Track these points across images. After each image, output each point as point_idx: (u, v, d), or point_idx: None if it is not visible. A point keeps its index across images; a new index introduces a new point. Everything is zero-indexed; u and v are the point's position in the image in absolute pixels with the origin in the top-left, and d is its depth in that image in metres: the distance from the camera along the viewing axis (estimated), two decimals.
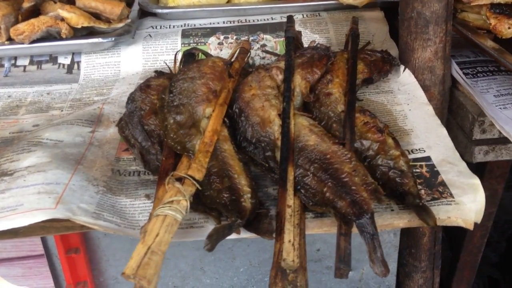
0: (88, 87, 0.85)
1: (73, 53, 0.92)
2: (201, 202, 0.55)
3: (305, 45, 0.85)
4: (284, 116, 0.62)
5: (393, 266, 0.91)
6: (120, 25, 0.90)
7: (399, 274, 0.95)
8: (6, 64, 0.91)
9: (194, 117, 0.62)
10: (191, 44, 0.93)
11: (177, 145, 0.59)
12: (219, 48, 0.93)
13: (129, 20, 0.92)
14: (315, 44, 0.77)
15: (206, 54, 0.77)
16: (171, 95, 0.64)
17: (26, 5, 0.82)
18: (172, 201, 0.50)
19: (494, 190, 1.00)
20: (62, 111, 0.79)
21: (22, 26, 0.82)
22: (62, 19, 0.84)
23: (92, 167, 0.63)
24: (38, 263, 0.87)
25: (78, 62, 0.91)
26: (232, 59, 0.78)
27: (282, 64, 0.71)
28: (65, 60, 0.92)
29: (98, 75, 0.89)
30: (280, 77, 0.69)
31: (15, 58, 0.92)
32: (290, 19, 0.79)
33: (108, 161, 0.66)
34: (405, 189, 0.55)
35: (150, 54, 0.92)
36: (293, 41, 0.74)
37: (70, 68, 0.91)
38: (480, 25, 0.77)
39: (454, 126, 0.78)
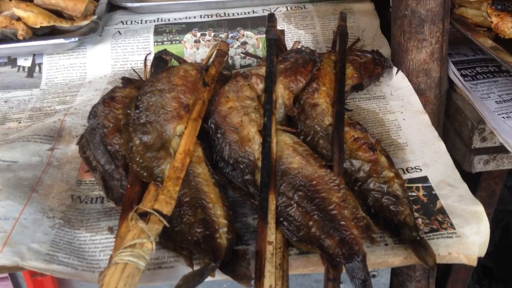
0: (50, 93, 0.77)
1: (34, 55, 0.83)
2: (170, 238, 0.49)
3: (289, 43, 0.78)
4: (265, 133, 0.55)
5: (386, 277, 0.86)
6: (85, 22, 0.82)
7: (392, 284, 0.90)
8: None
9: (163, 137, 0.55)
10: (164, 43, 0.85)
11: (143, 171, 0.52)
12: (196, 47, 0.85)
13: (95, 17, 0.83)
14: (299, 46, 0.70)
15: (179, 60, 0.69)
16: (137, 111, 0.56)
17: None
18: (134, 245, 0.44)
19: (492, 191, 0.95)
20: (19, 123, 0.71)
21: None
22: (19, 19, 0.75)
23: (48, 194, 0.56)
24: (2, 286, 0.80)
25: (40, 64, 0.83)
26: (208, 63, 0.71)
27: (262, 71, 0.64)
28: (25, 62, 0.83)
29: (62, 78, 0.81)
30: (260, 86, 0.61)
31: None
32: (272, 17, 0.71)
33: (68, 185, 0.58)
34: (400, 219, 0.49)
35: (119, 54, 0.84)
36: (275, 43, 0.66)
37: (31, 71, 0.82)
38: (480, 22, 0.70)
39: (452, 132, 0.72)
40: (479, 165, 0.68)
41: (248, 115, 0.58)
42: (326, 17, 0.88)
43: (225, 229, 0.49)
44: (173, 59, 0.74)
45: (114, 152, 0.56)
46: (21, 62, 0.83)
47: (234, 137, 0.56)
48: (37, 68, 0.82)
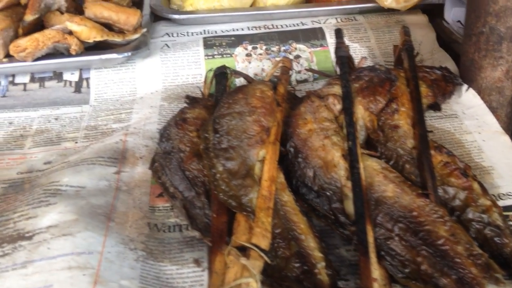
0: (102, 110, 0.74)
1: (80, 69, 0.80)
2: (266, 274, 0.46)
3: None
4: (352, 159, 0.53)
5: None
6: (135, 36, 0.79)
7: None
8: (3, 82, 0.79)
9: (247, 162, 0.52)
10: (215, 56, 0.83)
11: (231, 200, 0.49)
12: (248, 60, 0.82)
13: (144, 30, 0.81)
14: (365, 62, 0.68)
15: (247, 78, 0.66)
16: (217, 135, 0.54)
17: (29, 18, 0.70)
18: (239, 285, 0.41)
19: None
20: (76, 142, 0.68)
21: (24, 42, 0.70)
22: (70, 33, 0.72)
23: (125, 223, 0.53)
24: None
25: (87, 79, 0.80)
26: (268, 78, 0.69)
27: (335, 90, 0.61)
28: (71, 77, 0.80)
29: (111, 94, 0.78)
30: (338, 107, 0.59)
31: (13, 75, 0.80)
32: (340, 33, 0.69)
33: (142, 212, 0.56)
34: (507, 253, 0.46)
35: (169, 68, 0.81)
36: (347, 61, 0.64)
37: (78, 86, 0.79)
38: None
39: None
40: None
41: (329, 138, 0.56)
42: (380, 29, 0.86)
43: (323, 263, 0.46)
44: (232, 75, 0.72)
45: (192, 178, 0.54)
46: (67, 76, 0.80)
47: (318, 162, 0.54)
48: (84, 83, 0.80)
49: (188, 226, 0.54)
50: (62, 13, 0.73)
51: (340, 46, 0.66)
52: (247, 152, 0.53)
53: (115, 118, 0.72)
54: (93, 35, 0.72)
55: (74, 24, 0.71)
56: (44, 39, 0.70)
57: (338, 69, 0.78)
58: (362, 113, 0.58)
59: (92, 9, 0.73)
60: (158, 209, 0.57)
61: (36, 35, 0.70)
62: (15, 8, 0.74)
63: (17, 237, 0.50)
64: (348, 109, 0.58)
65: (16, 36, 0.74)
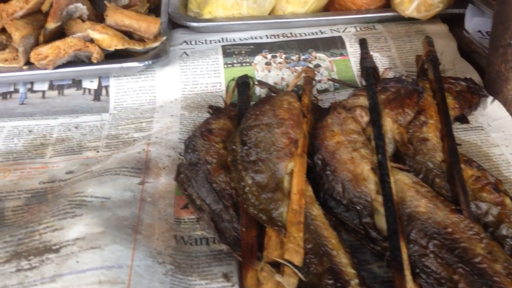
0: (122, 119, 0.74)
1: (99, 77, 0.80)
2: None
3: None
4: (382, 172, 0.52)
5: None
6: (155, 44, 0.78)
7: None
8: (22, 89, 0.79)
9: (277, 175, 0.52)
10: (234, 65, 0.82)
11: (261, 214, 0.49)
12: (267, 69, 0.82)
13: (164, 38, 0.80)
14: (390, 72, 0.67)
15: (271, 88, 0.65)
16: (246, 147, 0.53)
17: (51, 25, 0.70)
18: None
19: None
20: (98, 151, 0.67)
21: (46, 49, 0.70)
22: (91, 40, 0.72)
23: (152, 235, 0.53)
24: None
25: (106, 87, 0.79)
26: (290, 88, 0.68)
27: (362, 101, 0.61)
28: (90, 85, 0.80)
29: (131, 102, 0.78)
30: (365, 119, 0.59)
31: (32, 82, 0.80)
32: (364, 43, 0.69)
33: (167, 224, 0.55)
34: None
35: (189, 76, 0.80)
36: (372, 72, 0.63)
37: (97, 94, 0.79)
38: None
39: None
40: None
41: (357, 151, 0.55)
42: (400, 39, 0.85)
43: (356, 280, 0.45)
44: (254, 85, 0.71)
45: (220, 190, 0.53)
46: (86, 84, 0.80)
47: (347, 175, 0.53)
48: (103, 91, 0.79)
49: (215, 239, 0.53)
50: (83, 20, 0.72)
51: (365, 57, 0.66)
52: (276, 165, 0.52)
53: (136, 127, 0.72)
54: (115, 43, 0.71)
55: (96, 32, 0.70)
56: (65, 47, 0.70)
57: (358, 79, 0.78)
58: (390, 126, 0.58)
59: (114, 17, 0.73)
60: (183, 221, 0.56)
61: (58, 43, 0.70)
62: (35, 15, 0.74)
63: (43, 249, 0.50)
64: (376, 121, 0.57)
65: (36, 44, 0.73)
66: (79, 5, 0.70)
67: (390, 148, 0.57)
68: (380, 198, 0.51)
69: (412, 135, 0.58)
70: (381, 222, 0.50)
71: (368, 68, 0.64)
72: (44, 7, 0.72)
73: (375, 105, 0.58)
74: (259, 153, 0.53)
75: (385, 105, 0.59)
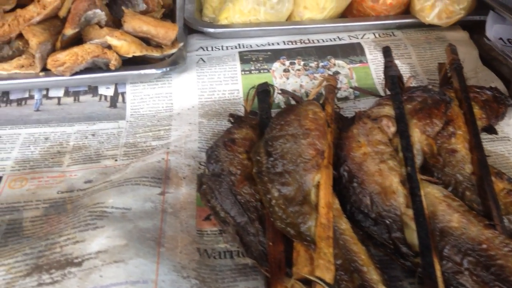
0: (139, 127, 0.73)
1: (116, 83, 0.79)
2: None
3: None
4: (412, 185, 0.51)
5: None
6: (173, 50, 0.77)
7: None
8: (37, 96, 0.78)
9: (304, 188, 0.50)
10: (252, 72, 0.81)
11: (289, 228, 0.47)
12: (285, 76, 0.81)
13: (181, 44, 0.79)
14: (413, 81, 0.66)
15: (294, 97, 0.64)
16: (271, 158, 0.52)
17: (69, 32, 0.68)
18: None
19: None
20: (116, 160, 0.66)
21: (63, 56, 0.69)
22: (109, 47, 0.71)
23: (175, 248, 0.51)
24: None
25: (123, 94, 0.78)
26: (311, 97, 0.67)
27: (387, 111, 0.59)
28: (107, 91, 0.79)
29: (147, 109, 0.76)
30: (392, 129, 0.57)
31: (47, 89, 0.79)
32: (388, 52, 0.67)
33: (190, 236, 0.54)
34: None
35: (206, 83, 0.79)
36: (398, 81, 0.62)
37: (113, 101, 0.78)
38: None
39: None
40: None
41: (385, 163, 0.54)
42: (421, 46, 0.84)
43: None
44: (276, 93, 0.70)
45: (245, 202, 0.52)
46: (102, 90, 0.79)
47: (375, 188, 0.52)
48: (120, 98, 0.78)
49: (240, 252, 0.52)
50: (101, 26, 0.71)
51: (390, 65, 0.64)
52: (303, 177, 0.51)
53: (154, 135, 0.70)
54: (133, 50, 0.70)
55: (115, 39, 0.69)
56: (83, 53, 0.69)
57: (379, 87, 0.77)
58: (418, 137, 0.56)
59: (131, 23, 0.72)
60: (206, 233, 0.55)
61: (75, 50, 0.69)
62: (52, 20, 0.73)
63: (65, 262, 0.48)
64: (404, 132, 0.56)
65: (53, 50, 0.72)
66: (98, 11, 0.69)
67: (418, 159, 0.55)
68: (410, 212, 0.50)
69: (440, 146, 0.57)
70: (412, 237, 0.48)
71: (393, 77, 0.62)
72: (62, 13, 0.71)
73: (402, 115, 0.57)
74: (286, 165, 0.51)
75: (412, 115, 0.58)
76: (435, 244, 0.47)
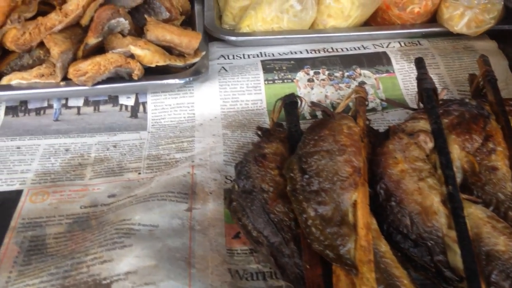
0: (162, 138, 0.71)
1: (136, 93, 0.77)
2: None
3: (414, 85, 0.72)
4: (455, 206, 0.49)
5: None
6: (196, 59, 0.75)
7: None
8: (56, 105, 0.76)
9: (341, 208, 0.48)
10: (275, 81, 0.79)
11: (328, 251, 0.45)
12: (310, 86, 0.79)
13: (203, 53, 0.77)
14: (446, 93, 0.63)
15: (326, 110, 0.62)
16: (306, 176, 0.50)
17: (92, 41, 0.67)
18: None
19: None
20: (139, 173, 0.64)
21: (85, 65, 0.67)
22: (132, 56, 0.69)
23: (206, 269, 0.49)
24: None
25: (144, 103, 0.76)
26: (340, 110, 0.65)
27: (423, 125, 0.57)
28: (127, 101, 0.77)
29: (169, 120, 0.75)
30: (429, 145, 0.55)
31: (66, 98, 0.77)
32: (422, 63, 0.65)
33: (220, 256, 0.52)
34: None
35: (228, 93, 0.77)
36: (433, 94, 0.60)
37: (134, 111, 0.76)
38: None
39: None
40: None
41: (424, 181, 0.51)
42: (449, 55, 0.82)
43: None
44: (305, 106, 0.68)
45: (278, 221, 0.50)
46: (123, 100, 0.77)
47: (415, 207, 0.50)
48: (141, 108, 0.76)
49: (272, 274, 0.50)
50: (123, 35, 0.70)
51: (424, 77, 0.62)
52: (341, 196, 0.49)
53: (177, 147, 0.68)
54: (156, 60, 0.69)
55: (138, 48, 0.67)
56: (106, 63, 0.67)
57: (407, 99, 0.74)
58: (458, 153, 0.54)
59: (155, 32, 0.70)
60: (237, 252, 0.53)
61: (98, 59, 0.67)
62: (73, 28, 0.71)
63: (93, 284, 0.47)
64: (443, 149, 0.53)
65: (74, 59, 0.71)
66: (121, 19, 0.68)
67: (458, 178, 0.53)
68: (452, 234, 0.47)
69: (480, 164, 0.54)
70: (455, 260, 0.46)
71: (428, 89, 0.60)
72: (84, 21, 0.69)
73: (440, 130, 0.55)
74: (322, 183, 0.49)
75: (450, 131, 0.56)
76: (482, 268, 0.44)
